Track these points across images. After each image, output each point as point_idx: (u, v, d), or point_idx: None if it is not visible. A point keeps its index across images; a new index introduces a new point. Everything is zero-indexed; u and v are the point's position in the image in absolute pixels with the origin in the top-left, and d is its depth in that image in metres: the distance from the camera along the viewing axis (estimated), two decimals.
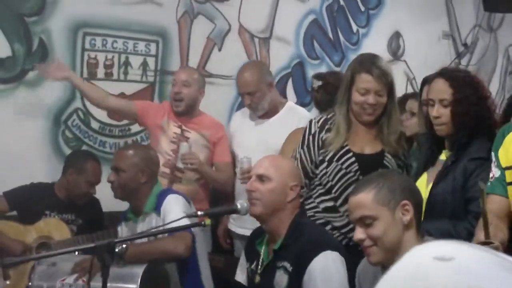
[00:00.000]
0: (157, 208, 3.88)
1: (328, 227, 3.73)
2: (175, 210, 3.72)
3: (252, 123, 4.84)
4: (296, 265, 3.11)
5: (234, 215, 4.57)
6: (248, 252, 3.53)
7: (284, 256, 3.17)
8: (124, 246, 3.45)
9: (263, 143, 4.56)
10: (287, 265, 3.15)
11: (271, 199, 3.21)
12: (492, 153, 3.02)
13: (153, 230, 3.53)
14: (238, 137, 4.88)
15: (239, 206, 3.20)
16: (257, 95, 4.68)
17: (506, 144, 2.96)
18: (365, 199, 2.58)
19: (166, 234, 3.69)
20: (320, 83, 4.61)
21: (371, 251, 2.61)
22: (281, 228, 3.24)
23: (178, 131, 4.78)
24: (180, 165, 4.58)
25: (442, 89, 3.33)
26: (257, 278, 3.32)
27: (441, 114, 3.33)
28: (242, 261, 3.57)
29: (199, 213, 3.08)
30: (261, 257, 3.33)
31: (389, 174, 2.77)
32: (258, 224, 3.42)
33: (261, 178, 3.24)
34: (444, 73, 3.41)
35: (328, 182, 3.75)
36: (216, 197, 4.99)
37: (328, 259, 3.08)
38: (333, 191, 3.74)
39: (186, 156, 4.58)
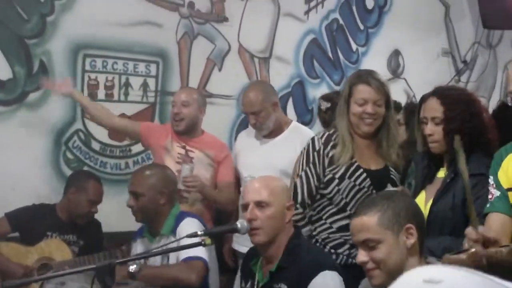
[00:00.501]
0: (173, 231, 3.88)
1: (345, 247, 3.74)
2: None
3: (257, 142, 4.84)
4: (294, 286, 3.10)
5: (237, 234, 4.57)
6: (243, 271, 3.51)
7: (280, 278, 3.15)
8: (136, 266, 3.43)
9: (268, 162, 4.56)
10: (284, 287, 3.13)
11: (273, 225, 3.19)
12: (491, 177, 3.00)
13: (154, 251, 3.54)
14: (242, 156, 4.88)
15: (239, 226, 3.17)
16: (262, 115, 4.69)
17: (505, 167, 2.94)
18: (369, 222, 2.57)
19: (176, 259, 3.73)
20: (328, 105, 4.63)
21: (373, 274, 2.60)
22: (278, 250, 3.22)
23: (182, 151, 4.79)
24: (181, 186, 4.57)
25: (434, 108, 3.37)
26: None
27: (433, 132, 3.37)
28: (237, 281, 3.56)
29: (199, 232, 3.04)
30: (256, 279, 3.31)
31: (394, 197, 2.72)
32: None
33: (260, 204, 3.20)
34: (436, 92, 3.44)
35: (342, 199, 3.75)
36: (220, 215, 5.00)
37: (326, 279, 3.07)
38: (348, 208, 3.74)
39: (188, 179, 4.58)
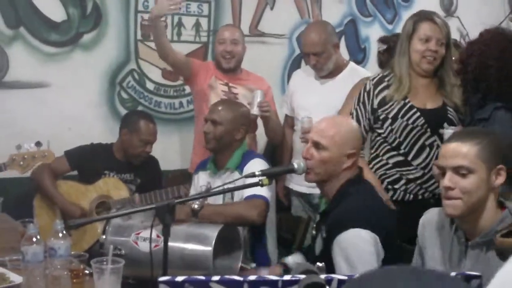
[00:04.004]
0: (239, 167, 3.93)
1: (402, 182, 3.78)
2: None
3: (316, 82, 4.79)
4: (328, 234, 3.05)
5: None
6: None
7: (325, 221, 3.15)
8: (198, 205, 3.48)
9: (327, 102, 4.54)
10: (323, 231, 3.13)
11: (324, 169, 3.14)
12: None
13: (213, 191, 3.59)
14: (299, 96, 4.85)
15: (296, 166, 3.17)
16: (324, 56, 4.64)
17: None
18: (468, 151, 2.56)
19: (240, 197, 3.80)
20: (384, 46, 4.60)
21: (454, 203, 2.58)
22: (330, 194, 3.20)
23: (225, 88, 4.81)
24: (256, 112, 4.55)
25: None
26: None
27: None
28: None
29: (256, 173, 3.03)
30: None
31: (496, 135, 2.72)
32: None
33: (317, 146, 3.15)
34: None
35: (395, 139, 3.78)
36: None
37: (355, 237, 2.93)
38: (402, 147, 3.78)
39: (264, 103, 4.56)
